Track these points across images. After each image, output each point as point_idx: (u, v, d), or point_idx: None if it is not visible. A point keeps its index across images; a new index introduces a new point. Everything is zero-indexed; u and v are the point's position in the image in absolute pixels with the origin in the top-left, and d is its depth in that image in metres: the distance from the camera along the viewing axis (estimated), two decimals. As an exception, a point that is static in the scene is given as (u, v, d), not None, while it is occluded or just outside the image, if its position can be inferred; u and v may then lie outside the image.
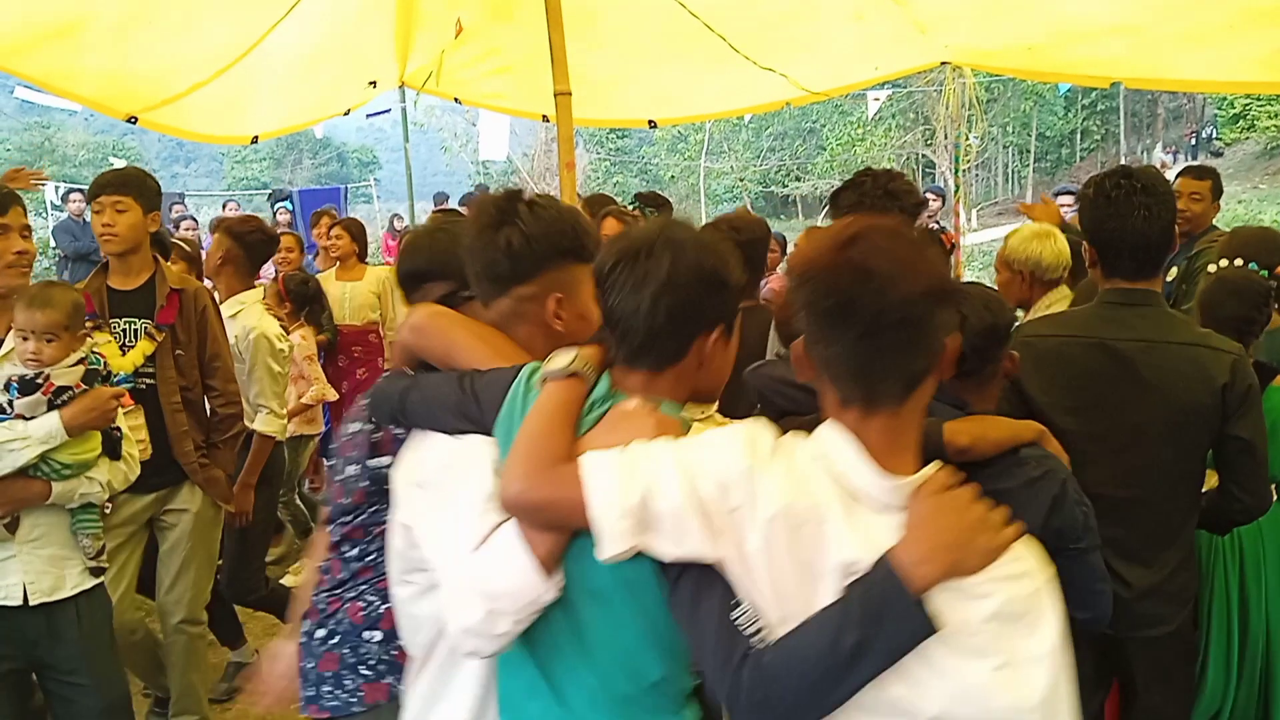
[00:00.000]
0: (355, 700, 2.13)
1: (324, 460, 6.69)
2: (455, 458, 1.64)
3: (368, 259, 6.66)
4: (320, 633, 2.19)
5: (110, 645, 3.04)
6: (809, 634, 1.32)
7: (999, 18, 5.77)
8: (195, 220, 12.59)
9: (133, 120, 5.65)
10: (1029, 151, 37.15)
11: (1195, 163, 28.81)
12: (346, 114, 7.84)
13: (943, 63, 7.03)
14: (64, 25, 4.63)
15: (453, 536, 1.57)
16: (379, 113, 9.03)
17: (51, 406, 2.75)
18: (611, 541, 1.41)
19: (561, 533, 1.50)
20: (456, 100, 7.91)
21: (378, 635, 2.12)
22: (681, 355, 1.58)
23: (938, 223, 9.40)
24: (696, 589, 1.41)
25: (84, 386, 2.81)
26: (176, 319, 3.56)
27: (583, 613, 1.55)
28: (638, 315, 1.54)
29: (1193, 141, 34.96)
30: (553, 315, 1.77)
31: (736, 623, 1.36)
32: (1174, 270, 4.73)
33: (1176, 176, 5.13)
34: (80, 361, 2.82)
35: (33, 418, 2.72)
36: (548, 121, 7.65)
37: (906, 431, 1.44)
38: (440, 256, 2.05)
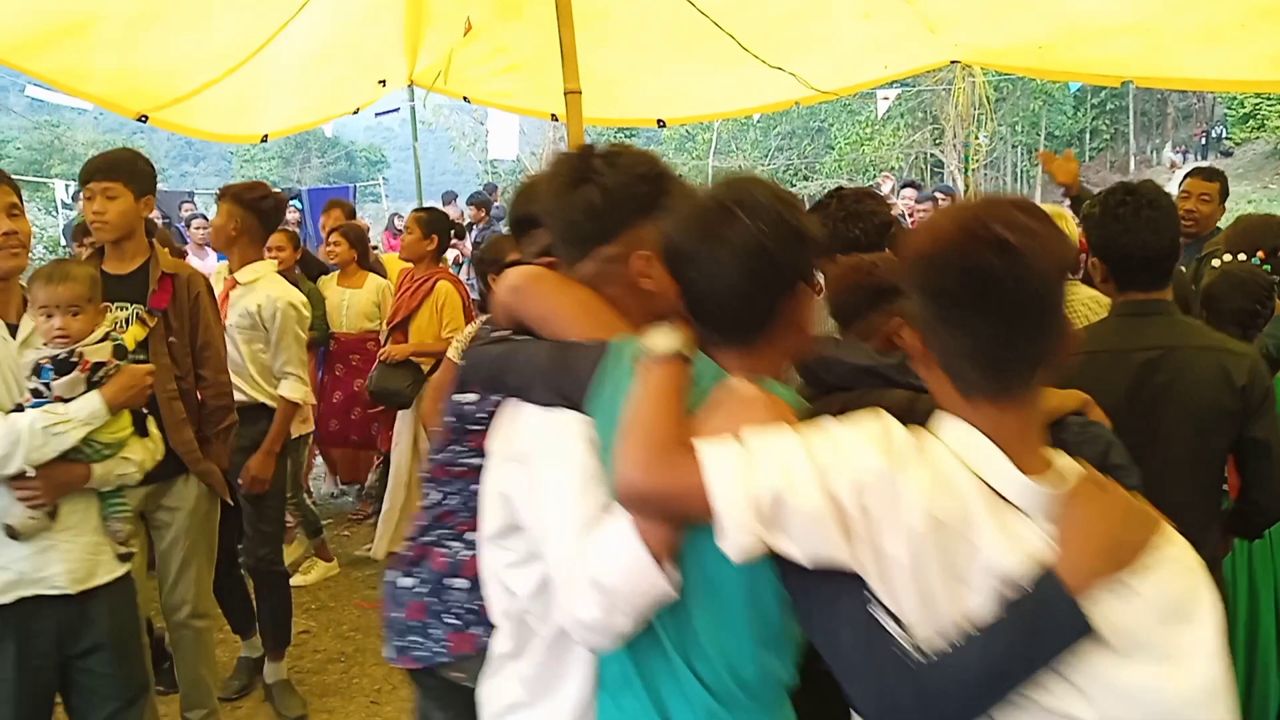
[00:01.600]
0: (442, 650, 2.08)
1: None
2: (549, 433, 1.59)
3: (369, 263, 6.55)
4: (406, 581, 2.15)
5: (137, 635, 3.01)
6: (969, 647, 1.27)
7: (1009, 16, 5.75)
8: (206, 218, 12.60)
9: (143, 119, 5.65)
10: (1038, 150, 37.05)
11: (1205, 163, 28.76)
12: (355, 113, 7.86)
13: (952, 61, 7.01)
14: (74, 23, 4.64)
15: (557, 520, 1.53)
16: (388, 111, 9.06)
17: (90, 385, 2.68)
18: (738, 538, 1.33)
19: (678, 527, 1.44)
20: (465, 99, 7.91)
21: (462, 583, 2.05)
22: (770, 321, 1.52)
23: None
24: (831, 593, 1.35)
25: (117, 363, 2.76)
26: (169, 304, 3.45)
27: (685, 605, 1.48)
28: (721, 286, 1.48)
29: (1202, 141, 34.86)
30: (640, 274, 1.67)
31: (880, 629, 1.30)
32: (1183, 271, 4.72)
33: (1185, 177, 5.13)
34: (106, 337, 2.76)
35: (71, 398, 2.65)
36: (557, 120, 7.65)
37: (1035, 421, 1.38)
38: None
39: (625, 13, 5.85)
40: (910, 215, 9.44)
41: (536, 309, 1.72)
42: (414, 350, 5.37)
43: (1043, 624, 1.24)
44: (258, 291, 4.18)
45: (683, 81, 7.13)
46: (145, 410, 2.90)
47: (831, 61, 6.72)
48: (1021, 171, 38.98)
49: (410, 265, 5.66)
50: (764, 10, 5.99)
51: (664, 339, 1.50)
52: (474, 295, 8.43)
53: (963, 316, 1.32)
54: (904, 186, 11.87)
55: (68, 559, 2.69)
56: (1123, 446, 1.87)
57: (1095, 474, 1.36)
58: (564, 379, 1.59)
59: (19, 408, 2.61)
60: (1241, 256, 3.48)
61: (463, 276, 10.53)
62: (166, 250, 3.63)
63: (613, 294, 1.71)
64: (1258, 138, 31.15)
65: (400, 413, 5.54)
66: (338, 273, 6.25)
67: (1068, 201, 4.73)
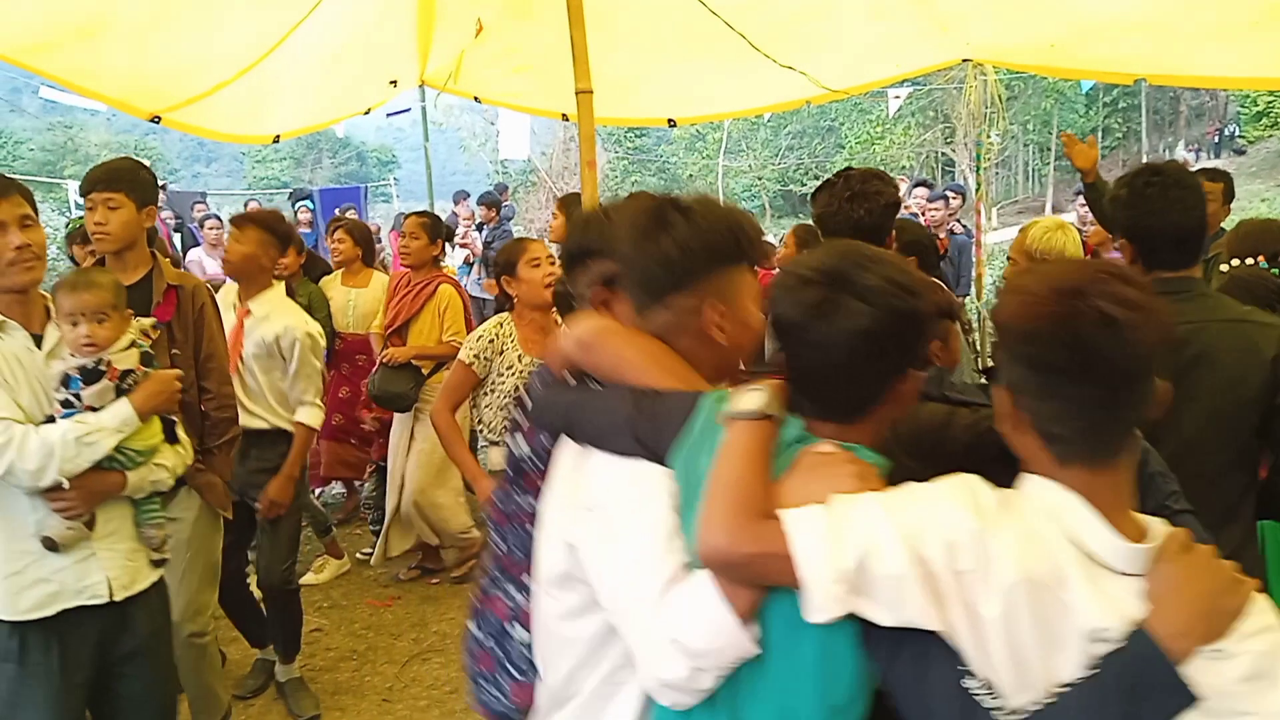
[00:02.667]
0: (514, 707, 2.07)
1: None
2: (629, 484, 1.57)
3: (375, 263, 6.48)
4: (476, 630, 2.16)
5: (170, 641, 3.00)
6: (1068, 709, 1.26)
7: (1020, 14, 5.74)
8: (220, 219, 12.65)
9: (156, 120, 5.68)
10: (1050, 149, 36.85)
11: (1218, 161, 28.61)
12: (367, 113, 7.88)
13: (964, 60, 7.00)
14: (88, 25, 4.67)
15: (635, 577, 1.50)
16: (399, 112, 9.06)
17: (119, 392, 2.68)
18: (823, 606, 1.32)
19: (761, 588, 1.42)
20: (476, 99, 7.93)
21: (523, 633, 2.03)
22: (875, 402, 1.50)
23: (959, 221, 9.36)
24: (921, 658, 1.34)
25: (144, 369, 2.76)
26: (174, 316, 3.42)
27: (750, 668, 1.44)
28: (829, 371, 1.46)
29: (1215, 139, 34.68)
30: (713, 325, 1.68)
31: (972, 694, 1.30)
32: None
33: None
34: (132, 344, 2.76)
35: (101, 407, 2.64)
36: (567, 120, 7.67)
37: (1128, 483, 1.38)
38: (608, 235, 1.96)
39: (636, 13, 5.86)
40: (922, 214, 9.41)
41: (608, 362, 1.71)
42: (416, 353, 5.35)
43: (1142, 682, 1.24)
44: (274, 321, 4.18)
45: (693, 81, 7.13)
46: (174, 416, 2.90)
47: (842, 60, 6.72)
48: (1033, 170, 38.86)
49: (402, 270, 5.64)
50: (775, 9, 5.99)
51: (754, 398, 1.48)
52: (475, 294, 8.47)
53: (1064, 387, 1.33)
54: (916, 185, 11.85)
55: (109, 567, 2.69)
56: (1158, 454, 1.86)
57: (1184, 537, 1.36)
58: (648, 429, 1.57)
59: (50, 419, 2.60)
60: (1250, 260, 3.49)
61: (472, 276, 10.58)
62: (168, 260, 3.61)
63: (684, 344, 1.70)
64: (1271, 136, 30.97)
65: (396, 417, 5.52)
66: (342, 271, 6.16)
67: (1081, 187, 4.73)
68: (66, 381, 2.63)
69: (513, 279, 3.71)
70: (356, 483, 6.85)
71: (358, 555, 5.99)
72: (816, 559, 1.33)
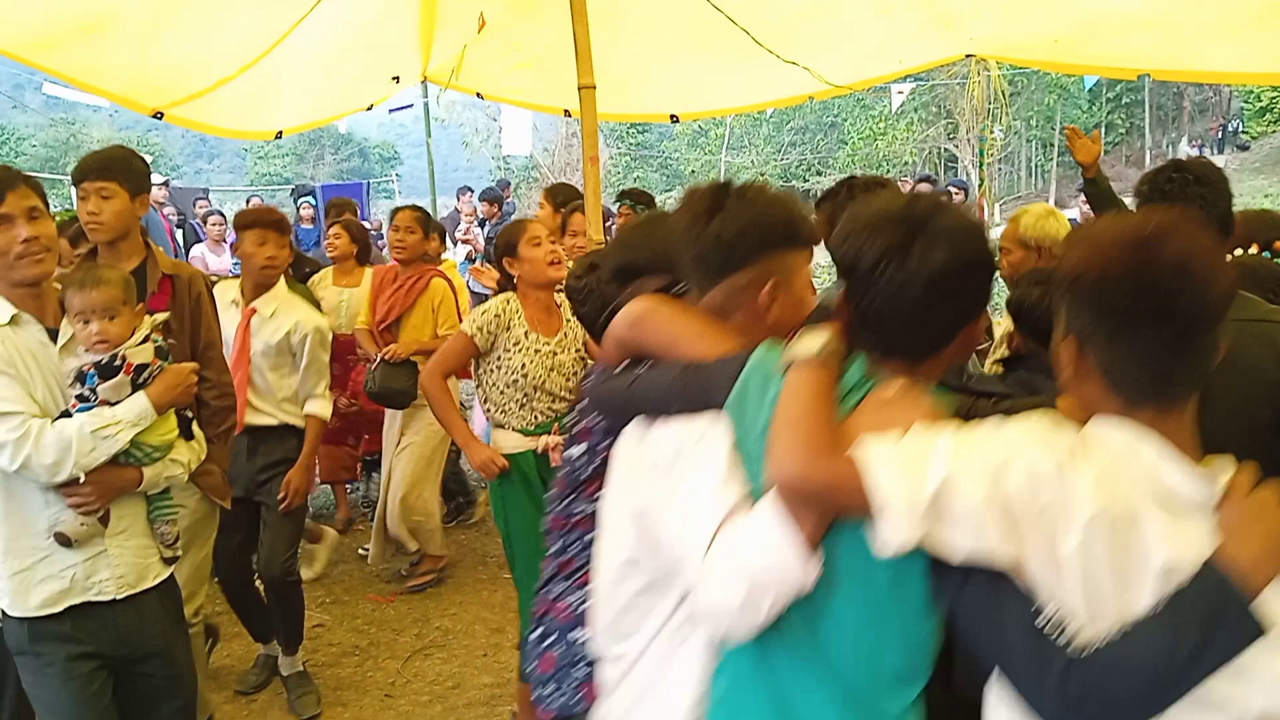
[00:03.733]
0: (577, 700, 2.12)
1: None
2: (690, 435, 1.63)
3: (369, 261, 6.25)
4: (534, 634, 2.22)
5: (186, 636, 2.98)
6: (1142, 640, 1.28)
7: (1024, 10, 5.73)
8: (222, 215, 12.65)
9: (158, 116, 5.68)
10: (1053, 145, 36.86)
11: (1220, 157, 28.58)
12: (369, 109, 7.88)
13: (967, 56, 6.98)
14: (91, 21, 4.67)
15: (697, 509, 1.54)
16: (401, 108, 9.07)
17: (135, 387, 2.65)
18: (898, 532, 1.34)
19: (827, 519, 1.45)
20: (479, 95, 7.93)
21: (587, 633, 2.09)
22: (945, 346, 1.54)
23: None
24: (994, 591, 1.36)
25: (160, 363, 2.74)
26: (169, 305, 3.33)
27: (826, 600, 1.48)
28: (904, 312, 1.48)
29: (1219, 135, 34.65)
30: (767, 303, 1.74)
31: (1047, 627, 1.32)
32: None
33: None
34: (146, 338, 2.73)
35: (117, 402, 2.61)
36: (569, 116, 7.66)
37: (1192, 429, 1.41)
38: (657, 249, 2.03)
39: (639, 8, 5.85)
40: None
41: (659, 338, 1.77)
42: (417, 348, 5.27)
43: (1215, 614, 1.27)
44: (282, 318, 4.18)
45: (696, 76, 7.13)
46: (190, 412, 2.88)
47: (845, 56, 6.70)
48: (1036, 166, 38.84)
49: (390, 264, 5.59)
50: (778, 5, 5.98)
51: (814, 342, 1.52)
52: (476, 290, 8.42)
53: (1135, 333, 1.36)
54: (919, 181, 11.84)
55: (119, 564, 2.67)
56: None
57: (1253, 475, 1.38)
58: (702, 392, 1.63)
59: (65, 414, 2.57)
60: (1239, 251, 3.49)
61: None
62: (161, 249, 3.55)
63: (739, 321, 1.75)
64: (1274, 131, 30.97)
65: (390, 414, 5.46)
66: (334, 270, 5.98)
67: (1082, 183, 4.74)
68: (82, 377, 2.60)
69: (514, 259, 3.69)
70: (349, 486, 6.78)
71: (359, 551, 5.98)
72: (893, 487, 1.35)
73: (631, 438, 1.81)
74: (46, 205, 2.63)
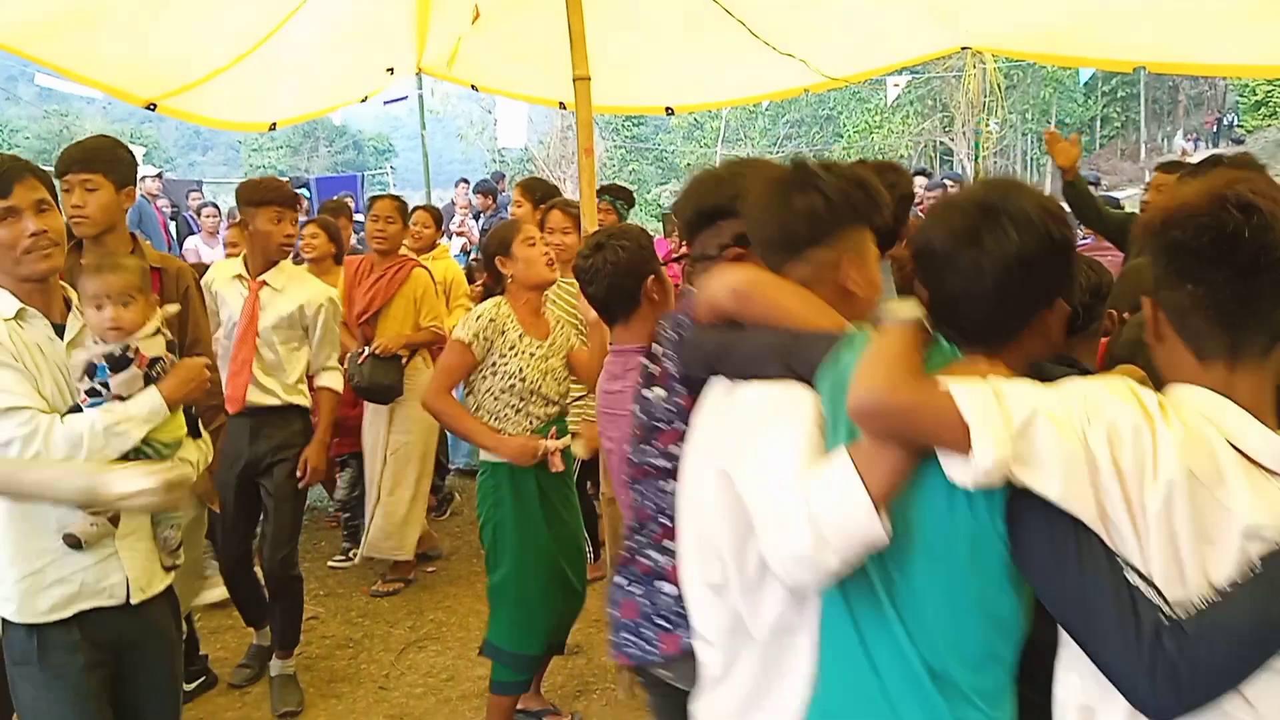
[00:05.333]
0: (653, 650, 2.14)
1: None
2: (776, 401, 1.64)
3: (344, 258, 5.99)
4: (620, 579, 2.23)
5: (179, 648, 2.90)
6: (1235, 604, 1.28)
7: (1019, 2, 5.72)
8: (217, 207, 12.62)
9: (152, 107, 5.66)
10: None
11: (1217, 150, 28.59)
12: (363, 101, 7.85)
13: (962, 48, 6.98)
14: (84, 11, 4.64)
15: (775, 464, 1.55)
16: (396, 100, 9.05)
17: (148, 381, 2.55)
18: (991, 450, 1.32)
19: (900, 471, 1.44)
20: (474, 87, 7.91)
21: (670, 588, 2.10)
22: (1020, 332, 1.53)
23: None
24: (1079, 548, 1.35)
25: (172, 357, 2.66)
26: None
27: (908, 568, 1.49)
28: (980, 298, 1.49)
29: (1214, 129, 34.68)
30: (850, 278, 1.76)
31: (1133, 588, 1.31)
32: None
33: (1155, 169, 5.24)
34: (158, 331, 2.64)
35: (129, 396, 2.51)
36: (565, 109, 7.64)
37: (1269, 390, 1.39)
38: (736, 193, 2.02)
39: (634, -1, 5.83)
40: (920, 203, 9.41)
41: (763, 308, 1.76)
42: (406, 341, 5.21)
43: None
44: (293, 292, 4.14)
45: (691, 68, 7.11)
46: (196, 410, 2.79)
47: (841, 48, 6.69)
48: (1031, 159, 38.82)
49: (360, 255, 5.51)
50: (773, -4, 5.97)
51: (906, 308, 1.54)
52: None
53: (1202, 272, 1.37)
54: (914, 174, 11.84)
55: (130, 567, 2.56)
56: None
57: None
58: (798, 357, 1.64)
59: (76, 409, 2.47)
60: None
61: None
62: (149, 243, 3.48)
63: (821, 295, 1.76)
64: (1269, 125, 30.97)
65: (372, 413, 5.33)
66: (306, 266, 5.70)
67: (1061, 185, 4.77)
68: (92, 371, 2.51)
69: (507, 258, 3.60)
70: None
71: (332, 561, 5.84)
72: (983, 409, 1.35)
73: (716, 398, 1.83)
74: (55, 197, 2.55)
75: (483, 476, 3.62)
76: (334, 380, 4.27)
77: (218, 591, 4.30)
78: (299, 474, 4.10)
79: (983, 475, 1.35)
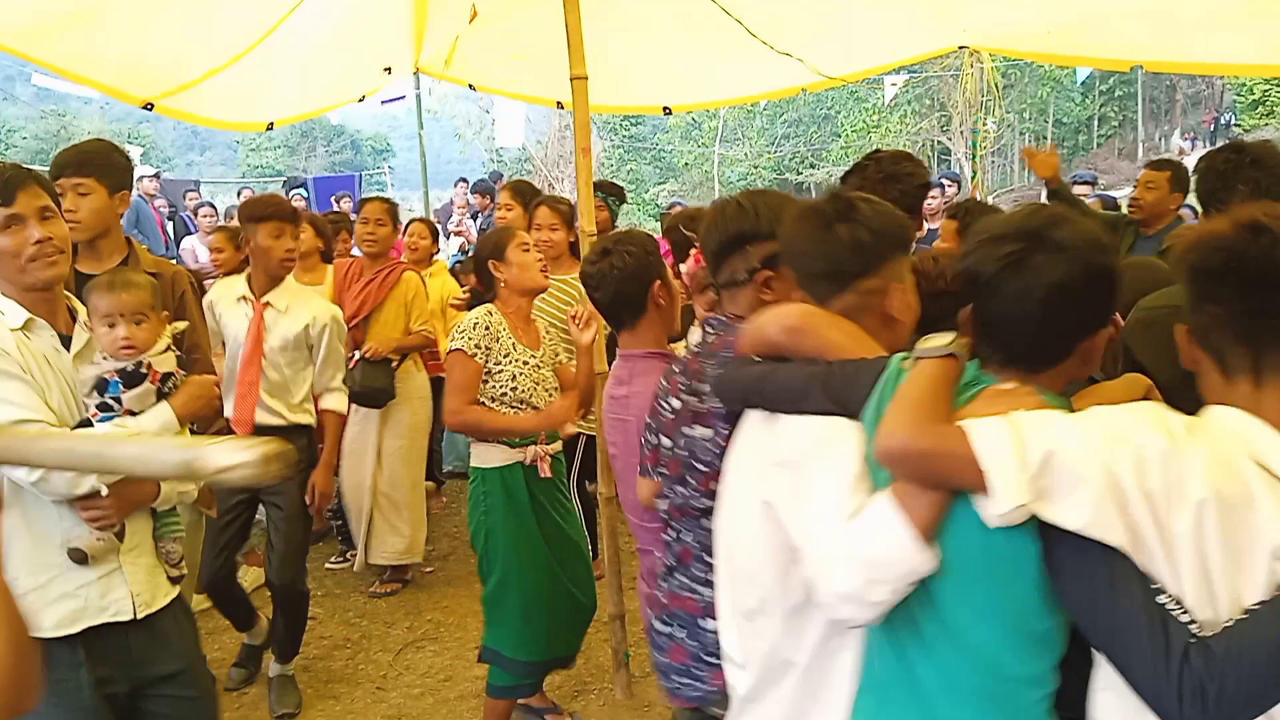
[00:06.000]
0: (714, 690, 2.15)
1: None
2: (820, 436, 1.67)
3: (333, 257, 5.92)
4: (661, 626, 2.26)
5: (204, 659, 2.85)
6: (1262, 624, 1.29)
7: (1018, 0, 5.73)
8: (213, 207, 12.61)
9: (149, 107, 5.65)
10: (1046, 138, 36.86)
11: (1214, 148, 28.61)
12: (361, 100, 7.85)
13: (960, 47, 6.98)
14: (81, 11, 4.63)
15: (822, 508, 1.59)
16: (393, 100, 9.03)
17: (160, 396, 2.56)
18: (1008, 495, 1.37)
19: (939, 502, 1.48)
20: (471, 87, 7.91)
21: (715, 624, 2.11)
22: (1064, 358, 1.56)
23: (954, 209, 9.35)
24: (1110, 573, 1.37)
25: (183, 373, 2.65)
26: None
27: (945, 592, 1.52)
28: (1025, 322, 1.52)
29: (1211, 128, 34.64)
30: (897, 306, 1.82)
31: (1168, 610, 1.33)
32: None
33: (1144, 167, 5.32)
34: (169, 348, 2.63)
35: (141, 411, 2.51)
36: (562, 108, 7.64)
37: None
38: (775, 214, 2.08)
39: (632, -1, 5.83)
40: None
41: (815, 344, 1.79)
42: (398, 345, 5.17)
43: None
44: (297, 312, 4.11)
45: (689, 68, 7.11)
46: (195, 426, 2.76)
47: (839, 47, 6.70)
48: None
49: (350, 258, 5.45)
50: (770, -5, 5.97)
51: (940, 340, 1.57)
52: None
53: (1216, 290, 1.45)
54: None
55: (134, 582, 2.52)
56: None
57: None
58: (840, 385, 1.67)
59: (85, 423, 2.45)
60: None
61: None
62: (145, 248, 3.44)
63: (867, 324, 1.81)
64: (1267, 124, 30.96)
65: (364, 414, 5.24)
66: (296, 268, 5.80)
67: (1046, 194, 4.81)
68: (103, 387, 2.50)
69: (501, 264, 3.56)
70: None
71: (325, 566, 5.81)
72: (1001, 454, 1.38)
73: (754, 430, 1.86)
74: (58, 204, 2.52)
75: (474, 483, 3.58)
76: (339, 402, 4.24)
77: None
78: (307, 499, 4.09)
79: (1003, 517, 1.39)
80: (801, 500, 1.66)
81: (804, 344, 1.80)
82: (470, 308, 3.77)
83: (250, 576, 5.27)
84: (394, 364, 5.21)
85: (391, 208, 5.45)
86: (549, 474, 3.57)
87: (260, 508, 4.29)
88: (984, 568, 1.48)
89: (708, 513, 2.08)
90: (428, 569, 5.61)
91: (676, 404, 2.25)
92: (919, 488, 1.49)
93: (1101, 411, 1.42)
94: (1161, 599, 1.33)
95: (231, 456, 1.33)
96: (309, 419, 4.21)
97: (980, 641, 1.50)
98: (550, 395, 3.62)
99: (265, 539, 4.20)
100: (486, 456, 3.55)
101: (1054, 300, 1.49)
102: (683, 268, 2.78)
